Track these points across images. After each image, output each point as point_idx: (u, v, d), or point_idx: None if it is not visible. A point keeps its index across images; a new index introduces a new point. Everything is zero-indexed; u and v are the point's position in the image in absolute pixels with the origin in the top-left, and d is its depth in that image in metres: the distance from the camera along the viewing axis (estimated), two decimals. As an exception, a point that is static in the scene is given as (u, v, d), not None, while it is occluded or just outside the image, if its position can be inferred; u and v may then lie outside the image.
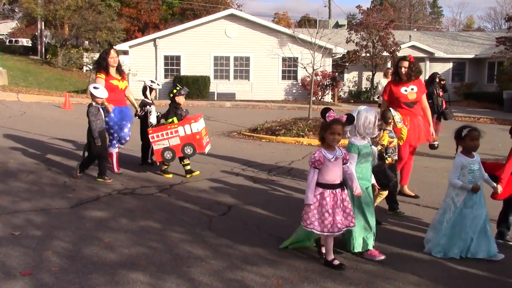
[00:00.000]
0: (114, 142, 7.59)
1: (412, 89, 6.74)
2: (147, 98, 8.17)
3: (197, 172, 7.61)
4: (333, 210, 4.20)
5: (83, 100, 23.84)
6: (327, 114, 4.26)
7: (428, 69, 29.46)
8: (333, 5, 54.68)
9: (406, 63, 6.70)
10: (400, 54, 27.83)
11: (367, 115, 4.65)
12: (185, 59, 26.91)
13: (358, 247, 4.53)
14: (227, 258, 4.44)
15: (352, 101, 29.21)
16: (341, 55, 27.57)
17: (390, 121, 5.90)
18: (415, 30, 46.25)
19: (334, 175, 4.24)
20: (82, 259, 4.24)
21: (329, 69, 27.21)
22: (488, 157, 10.68)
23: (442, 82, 13.30)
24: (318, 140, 4.43)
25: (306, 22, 33.57)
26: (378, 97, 13.72)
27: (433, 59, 30.61)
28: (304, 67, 15.11)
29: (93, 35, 37.92)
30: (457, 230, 4.71)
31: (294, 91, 27.86)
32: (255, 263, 4.34)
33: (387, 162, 5.70)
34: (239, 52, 27.23)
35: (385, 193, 5.94)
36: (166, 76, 27.00)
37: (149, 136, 7.29)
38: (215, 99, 25.85)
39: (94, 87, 6.88)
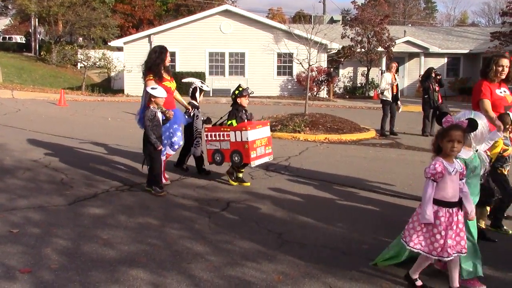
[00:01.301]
0: (164, 149, 6.75)
1: (505, 91, 5.85)
2: (195, 101, 7.57)
3: (248, 184, 7.05)
4: (446, 232, 3.68)
5: (78, 97, 23.78)
6: (444, 119, 3.78)
7: (423, 64, 29.52)
8: (327, 1, 54.69)
9: (506, 61, 5.76)
10: (395, 49, 27.90)
11: (483, 120, 4.04)
12: (180, 55, 26.83)
13: (467, 275, 3.93)
14: (227, 254, 4.43)
15: (347, 96, 29.24)
16: (336, 51, 27.56)
17: (508, 126, 5.21)
18: (410, 25, 46.29)
19: (453, 191, 3.72)
20: (81, 256, 4.23)
21: (324, 64, 27.20)
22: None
23: (438, 77, 13.36)
24: (433, 150, 3.85)
25: (301, 17, 33.52)
26: (381, 93, 13.40)
27: (428, 54, 30.65)
28: (300, 63, 15.09)
29: (87, 31, 37.76)
30: None
31: (289, 86, 27.85)
32: (255, 259, 4.34)
33: (499, 172, 5.18)
34: (234, 48, 27.19)
35: (487, 210, 5.41)
36: (161, 73, 26.92)
37: (204, 133, 7.02)
38: (211, 95, 25.79)
39: (152, 88, 6.30)
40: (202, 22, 27.09)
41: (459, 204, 3.74)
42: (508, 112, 5.39)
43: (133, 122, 8.15)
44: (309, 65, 14.10)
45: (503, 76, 5.75)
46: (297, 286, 3.85)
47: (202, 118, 7.62)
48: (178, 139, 7.01)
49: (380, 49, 27.76)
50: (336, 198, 6.56)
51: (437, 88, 13.21)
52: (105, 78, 35.12)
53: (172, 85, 7.02)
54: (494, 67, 5.71)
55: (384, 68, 27.04)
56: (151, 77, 6.68)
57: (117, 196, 6.23)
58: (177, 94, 7.27)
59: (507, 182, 5.23)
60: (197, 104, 7.57)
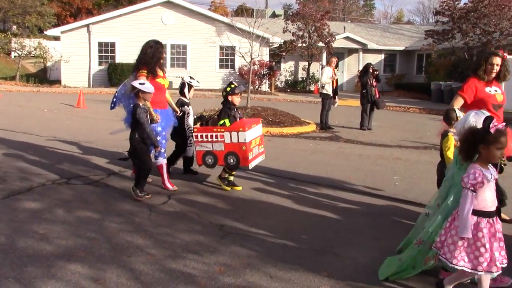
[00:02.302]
0: (163, 151, 6.32)
1: (496, 90, 5.62)
2: (185, 97, 7.10)
3: (240, 188, 6.64)
4: (491, 244, 3.43)
5: (12, 87, 22.77)
6: (491, 124, 3.38)
7: (362, 60, 30.30)
8: (270, -5, 54.90)
9: (498, 60, 5.53)
10: (335, 45, 28.49)
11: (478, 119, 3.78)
12: (120, 46, 26.24)
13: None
14: (168, 247, 4.42)
15: (288, 90, 29.58)
16: (278, 45, 27.81)
17: (453, 122, 5.07)
18: (349, 21, 47.35)
19: (492, 199, 3.49)
20: (16, 252, 4.09)
21: (266, 58, 27.38)
22: (418, 145, 11.20)
23: (375, 72, 13.77)
24: (463, 157, 3.55)
25: (243, 11, 33.56)
26: (322, 87, 13.54)
27: (366, 50, 31.50)
28: (242, 56, 15.14)
29: (21, 19, 36.02)
30: None
31: (231, 80, 27.83)
32: (197, 251, 4.35)
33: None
34: (176, 40, 26.86)
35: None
36: (100, 63, 26.24)
37: (193, 134, 6.47)
38: (152, 87, 25.36)
39: (140, 83, 5.85)
40: (143, 13, 26.59)
41: (499, 212, 3.55)
42: (454, 108, 5.33)
43: (70, 113, 7.91)
44: (251, 59, 14.17)
45: (493, 75, 5.56)
46: (239, 277, 3.89)
47: (195, 116, 7.12)
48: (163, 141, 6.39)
49: (320, 44, 28.24)
50: (277, 190, 6.66)
51: (374, 84, 13.61)
52: (41, 68, 33.74)
53: (166, 82, 6.57)
54: (484, 65, 5.54)
55: (324, 62, 27.55)
56: (144, 73, 6.19)
57: (54, 189, 6.06)
58: (167, 93, 6.72)
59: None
60: (187, 101, 7.11)
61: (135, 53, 6.64)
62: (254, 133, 6.50)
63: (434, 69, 27.01)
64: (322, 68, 20.31)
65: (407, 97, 26.57)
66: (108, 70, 25.61)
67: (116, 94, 6.41)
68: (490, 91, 5.55)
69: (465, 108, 5.46)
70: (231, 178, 6.66)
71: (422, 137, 12.51)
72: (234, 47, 21.52)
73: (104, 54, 26.48)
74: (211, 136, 6.34)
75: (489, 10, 21.37)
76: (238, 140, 6.25)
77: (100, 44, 26.37)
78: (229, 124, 6.38)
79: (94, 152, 8.32)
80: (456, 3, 23.17)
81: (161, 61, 6.43)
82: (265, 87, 27.79)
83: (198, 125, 6.69)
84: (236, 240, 4.67)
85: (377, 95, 13.71)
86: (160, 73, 6.40)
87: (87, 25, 26.21)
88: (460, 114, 5.08)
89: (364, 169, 8.33)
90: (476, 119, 3.75)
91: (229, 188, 6.57)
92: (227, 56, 27.24)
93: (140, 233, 4.72)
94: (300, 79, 31.28)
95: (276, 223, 5.29)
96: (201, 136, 6.38)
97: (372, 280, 3.95)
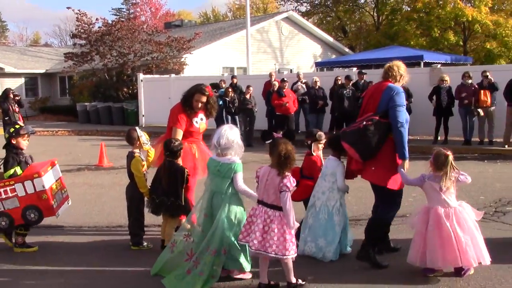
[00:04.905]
0: None
1: (202, 119, 5.82)
2: None
3: (35, 248, 5.50)
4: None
5: None
6: None
7: (0, 85, 28.22)
8: None
9: (204, 98, 5.65)
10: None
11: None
12: None
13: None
14: None
15: None
16: None
17: (136, 142, 5.43)
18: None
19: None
20: None
21: None
22: (71, 168, 11.24)
23: (16, 97, 13.18)
24: None
25: None
26: None
27: (4, 74, 29.47)
28: None
29: None
30: (343, 228, 5.21)
31: None
32: None
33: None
34: None
35: None
36: None
37: None
38: None
39: None
40: None
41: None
42: (136, 128, 5.61)
43: None
44: None
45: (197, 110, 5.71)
46: None
47: None
48: None
49: None
50: None
51: (17, 109, 13.01)
52: None
53: None
54: (192, 100, 5.63)
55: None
56: None
57: None
58: None
59: None
60: None
61: None
62: (52, 176, 5.53)
63: (78, 91, 27.27)
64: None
65: (53, 120, 26.07)
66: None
67: None
68: (196, 122, 5.73)
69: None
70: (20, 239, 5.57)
71: (75, 159, 12.58)
72: None
73: None
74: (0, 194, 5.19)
75: (122, 34, 22.85)
76: (35, 189, 5.22)
77: None
78: (21, 172, 5.32)
79: None
80: (91, 26, 23.95)
81: None
82: None
83: None
84: None
85: (22, 120, 13.14)
86: None
87: None
88: (141, 134, 5.45)
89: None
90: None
91: (31, 249, 5.53)
92: None
93: None
94: None
95: None
96: None
97: None
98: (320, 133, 5.61)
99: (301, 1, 38.93)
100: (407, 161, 4.75)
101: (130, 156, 5.44)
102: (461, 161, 4.71)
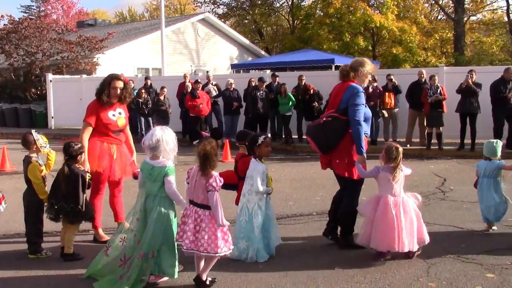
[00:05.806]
0: None
1: (120, 113, 5.73)
2: None
3: None
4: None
5: None
6: None
7: None
8: None
9: (121, 83, 5.58)
10: None
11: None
12: None
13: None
14: None
15: None
16: None
17: (32, 146, 5.25)
18: None
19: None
20: None
21: None
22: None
23: None
24: None
25: None
26: None
27: None
28: None
29: None
30: (264, 231, 5.12)
31: None
32: None
33: None
34: None
35: None
36: None
37: None
38: None
39: None
40: None
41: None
42: (32, 130, 5.47)
43: None
44: None
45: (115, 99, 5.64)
46: None
47: None
48: None
49: None
50: None
51: None
52: None
53: None
54: (110, 88, 5.57)
55: None
56: None
57: None
58: None
59: None
60: None
61: None
62: None
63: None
64: None
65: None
66: None
67: None
68: (113, 115, 5.65)
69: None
70: None
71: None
72: None
73: None
74: None
75: (29, 32, 21.74)
76: None
77: None
78: None
79: None
80: (-4, 24, 22.64)
81: None
82: None
83: None
84: None
85: None
86: None
87: None
88: (37, 137, 5.24)
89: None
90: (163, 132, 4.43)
91: None
92: None
93: None
94: None
95: None
96: None
97: None
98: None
99: (218, 4, 39.07)
100: (363, 156, 5.20)
101: (27, 161, 5.20)
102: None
